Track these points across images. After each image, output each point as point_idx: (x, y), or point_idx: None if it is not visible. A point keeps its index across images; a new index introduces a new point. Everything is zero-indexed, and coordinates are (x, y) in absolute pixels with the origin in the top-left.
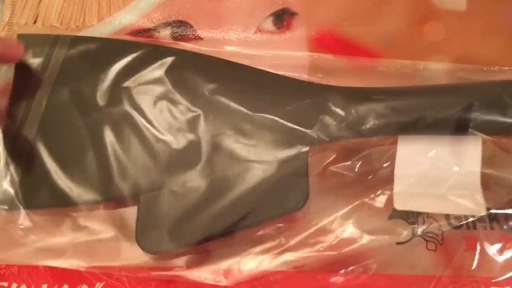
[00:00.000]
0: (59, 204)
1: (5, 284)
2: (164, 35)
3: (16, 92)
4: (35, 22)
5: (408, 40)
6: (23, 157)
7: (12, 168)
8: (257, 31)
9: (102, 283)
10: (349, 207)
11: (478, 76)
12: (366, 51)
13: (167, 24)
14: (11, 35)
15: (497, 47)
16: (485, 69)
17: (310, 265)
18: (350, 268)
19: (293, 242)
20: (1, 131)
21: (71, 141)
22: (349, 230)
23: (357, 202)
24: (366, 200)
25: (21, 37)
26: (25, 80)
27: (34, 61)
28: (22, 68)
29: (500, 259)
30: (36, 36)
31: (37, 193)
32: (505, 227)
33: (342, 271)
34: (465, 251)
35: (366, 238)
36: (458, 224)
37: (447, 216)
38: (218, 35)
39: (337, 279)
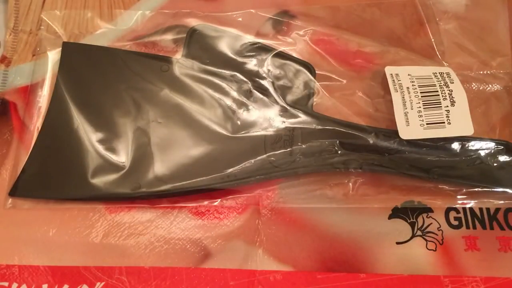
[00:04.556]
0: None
1: (6, 284)
2: (165, 40)
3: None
4: (39, 28)
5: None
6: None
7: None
8: (257, 34)
9: (102, 283)
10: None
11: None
12: (365, 54)
13: (168, 29)
14: (17, 41)
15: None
16: (481, 73)
17: (310, 265)
18: (350, 268)
19: None
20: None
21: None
22: (348, 229)
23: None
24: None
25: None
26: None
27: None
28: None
29: (500, 258)
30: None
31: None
32: (504, 227)
33: (342, 271)
34: (465, 251)
35: (366, 238)
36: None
37: (447, 216)
38: None
39: (337, 279)
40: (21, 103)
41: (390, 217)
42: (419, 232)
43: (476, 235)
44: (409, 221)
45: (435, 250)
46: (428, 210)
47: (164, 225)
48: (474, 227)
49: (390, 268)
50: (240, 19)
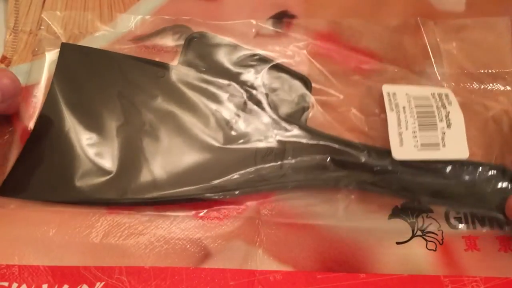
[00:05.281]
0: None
1: (6, 284)
2: (165, 40)
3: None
4: (39, 28)
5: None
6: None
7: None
8: (257, 34)
9: (102, 283)
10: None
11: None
12: (364, 54)
13: (168, 29)
14: (17, 42)
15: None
16: (482, 72)
17: (310, 265)
18: (349, 268)
19: None
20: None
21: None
22: (348, 229)
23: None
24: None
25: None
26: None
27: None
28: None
29: (500, 258)
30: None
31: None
32: (505, 227)
33: (342, 271)
34: (465, 251)
35: (366, 238)
36: (458, 224)
37: (447, 216)
38: None
39: (337, 279)
40: (24, 103)
41: (390, 217)
42: (419, 232)
43: (476, 235)
44: (409, 221)
45: (435, 250)
46: (428, 210)
47: (164, 225)
48: (474, 227)
49: (390, 268)
50: (239, 27)
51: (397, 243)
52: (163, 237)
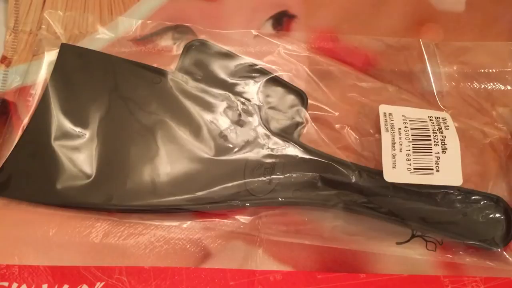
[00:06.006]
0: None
1: (6, 284)
2: (165, 40)
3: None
4: (40, 28)
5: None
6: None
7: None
8: (257, 34)
9: (102, 283)
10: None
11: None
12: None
13: (168, 29)
14: (17, 42)
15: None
16: (482, 71)
17: (310, 265)
18: (349, 268)
19: None
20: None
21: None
22: (348, 230)
23: None
24: None
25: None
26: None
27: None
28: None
29: (500, 259)
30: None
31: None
32: None
33: (342, 271)
34: (465, 251)
35: (366, 238)
36: None
37: None
38: (218, 39)
39: (337, 279)
40: (21, 103)
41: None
42: (419, 233)
43: None
44: None
45: (435, 251)
46: None
47: (164, 225)
48: None
49: (390, 268)
50: (240, 20)
51: (397, 243)
52: (163, 237)
